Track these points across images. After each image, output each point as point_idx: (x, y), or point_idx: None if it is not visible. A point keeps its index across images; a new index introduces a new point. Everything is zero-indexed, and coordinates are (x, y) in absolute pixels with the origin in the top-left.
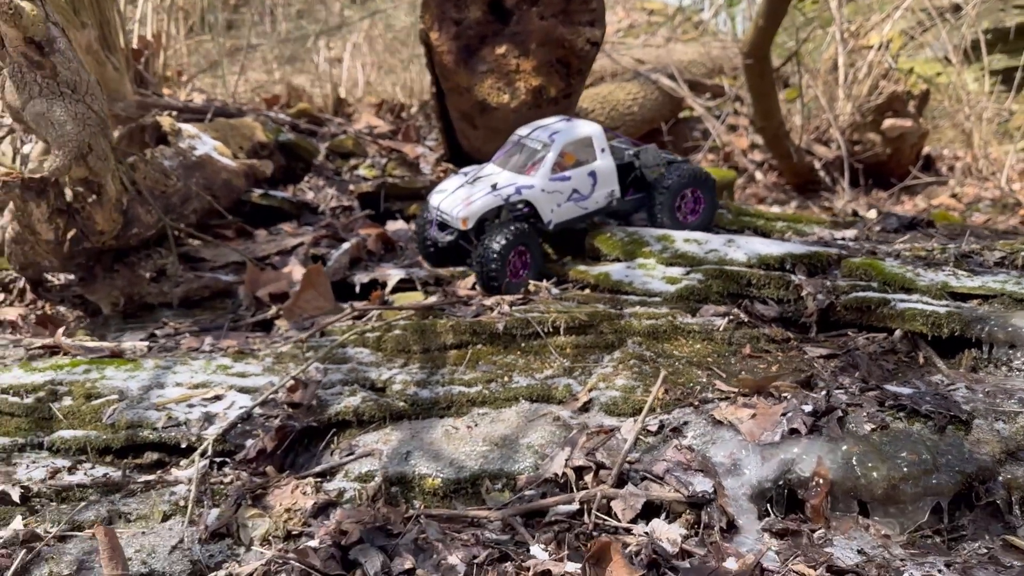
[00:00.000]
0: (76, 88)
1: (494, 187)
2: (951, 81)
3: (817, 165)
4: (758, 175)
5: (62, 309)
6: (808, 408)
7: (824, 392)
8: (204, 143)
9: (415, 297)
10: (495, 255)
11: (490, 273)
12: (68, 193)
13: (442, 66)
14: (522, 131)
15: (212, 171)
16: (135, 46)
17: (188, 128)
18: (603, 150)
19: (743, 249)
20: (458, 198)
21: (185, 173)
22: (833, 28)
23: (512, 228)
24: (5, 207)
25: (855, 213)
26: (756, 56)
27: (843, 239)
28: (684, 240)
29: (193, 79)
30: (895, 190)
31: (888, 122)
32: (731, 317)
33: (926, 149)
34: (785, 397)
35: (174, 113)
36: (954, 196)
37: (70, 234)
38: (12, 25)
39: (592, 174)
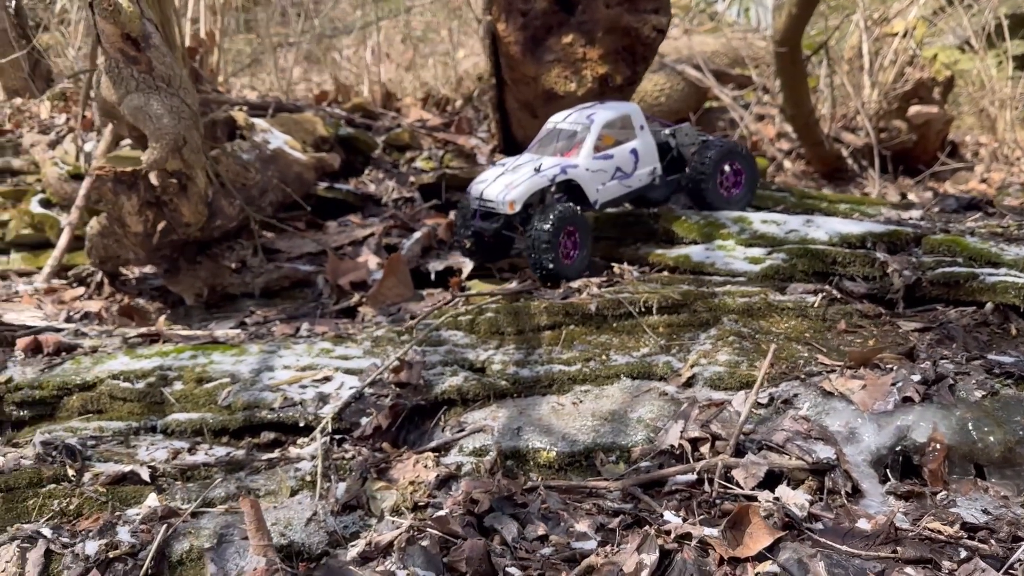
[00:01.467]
0: (171, 82)
1: (537, 170)
2: (971, 67)
3: (844, 153)
4: (786, 163)
5: (141, 301)
6: (917, 377)
7: (930, 362)
8: (276, 137)
9: (490, 283)
10: (545, 236)
11: (543, 256)
12: (156, 186)
13: (508, 56)
14: (557, 118)
15: (285, 164)
16: (188, 44)
17: (260, 123)
18: (642, 127)
19: (823, 229)
20: (501, 184)
21: (262, 166)
22: (857, 16)
23: (559, 208)
24: (72, 204)
25: (904, 196)
26: (789, 44)
27: (911, 219)
28: (762, 221)
29: (230, 77)
30: (923, 176)
31: (914, 109)
32: (824, 294)
33: (950, 135)
34: (891, 368)
35: (244, 108)
36: (983, 181)
37: (160, 226)
38: (111, 22)
39: (634, 151)
